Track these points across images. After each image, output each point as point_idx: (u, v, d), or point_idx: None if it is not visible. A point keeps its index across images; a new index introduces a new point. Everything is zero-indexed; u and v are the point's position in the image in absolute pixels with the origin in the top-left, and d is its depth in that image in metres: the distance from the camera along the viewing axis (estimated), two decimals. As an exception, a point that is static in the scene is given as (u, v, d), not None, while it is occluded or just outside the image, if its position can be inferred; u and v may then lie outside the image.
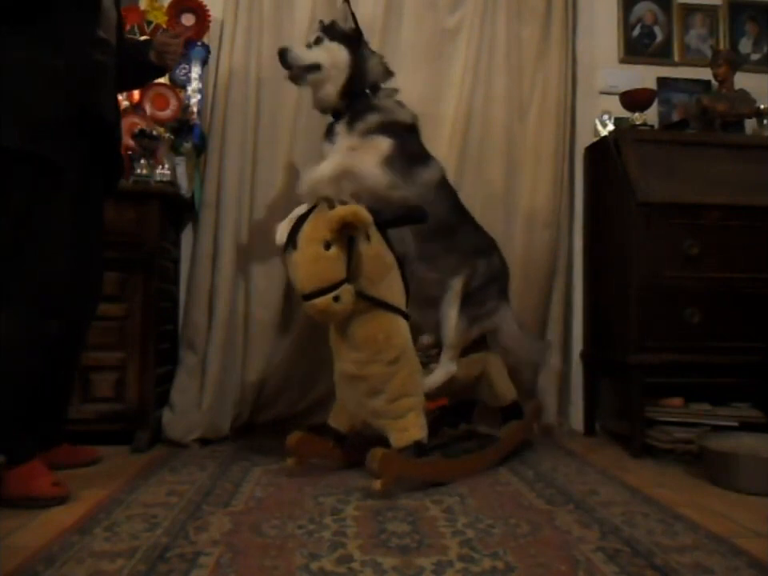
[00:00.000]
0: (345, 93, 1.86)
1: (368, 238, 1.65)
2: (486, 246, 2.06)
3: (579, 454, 2.14)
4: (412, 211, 1.77)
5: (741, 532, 1.40)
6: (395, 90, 1.96)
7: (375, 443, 1.72)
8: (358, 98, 1.87)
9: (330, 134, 1.89)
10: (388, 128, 1.83)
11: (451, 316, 1.90)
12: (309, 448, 1.81)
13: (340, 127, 1.85)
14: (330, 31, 1.89)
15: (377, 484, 1.54)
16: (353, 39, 1.89)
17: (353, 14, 1.90)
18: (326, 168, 1.71)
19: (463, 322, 1.91)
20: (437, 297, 1.92)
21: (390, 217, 1.73)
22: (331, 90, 1.86)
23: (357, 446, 1.85)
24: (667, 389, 2.24)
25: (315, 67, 1.86)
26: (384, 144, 1.79)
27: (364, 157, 1.77)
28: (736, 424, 2.11)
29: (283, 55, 1.86)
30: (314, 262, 1.57)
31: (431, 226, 1.83)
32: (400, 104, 1.94)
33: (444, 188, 1.97)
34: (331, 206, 1.62)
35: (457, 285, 1.91)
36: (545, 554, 1.23)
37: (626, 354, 2.17)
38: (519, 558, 1.21)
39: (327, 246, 1.56)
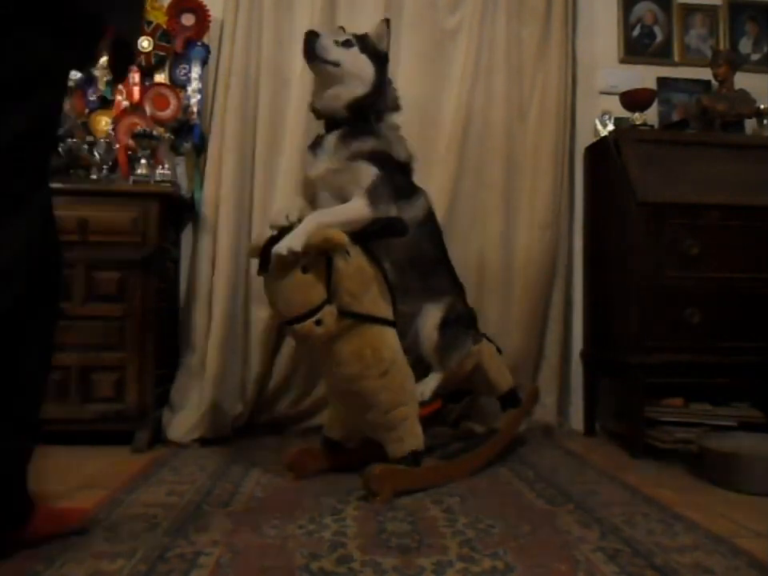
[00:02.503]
0: (353, 105, 1.78)
1: (347, 252, 1.58)
2: (458, 290, 2.01)
3: (579, 454, 2.14)
4: (391, 223, 1.69)
5: (741, 532, 1.40)
6: (397, 126, 1.89)
7: (373, 445, 1.73)
8: (362, 117, 1.79)
9: (316, 145, 1.82)
10: (378, 158, 1.76)
11: (432, 336, 1.84)
12: (306, 462, 1.79)
13: (331, 139, 1.77)
14: (362, 42, 1.83)
15: (376, 501, 1.52)
16: (381, 60, 1.85)
17: (389, 36, 1.88)
18: (300, 234, 1.55)
19: (442, 344, 1.86)
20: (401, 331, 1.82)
21: (369, 229, 1.67)
22: (343, 93, 1.78)
23: (355, 451, 1.85)
24: (667, 389, 2.24)
25: (335, 64, 1.78)
26: (368, 173, 1.73)
27: (349, 191, 1.72)
28: (736, 424, 2.11)
29: (311, 41, 1.77)
30: (293, 287, 1.52)
31: (410, 258, 1.81)
32: (400, 139, 1.88)
33: (428, 225, 1.91)
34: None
35: (436, 311, 1.86)
36: (545, 554, 1.23)
37: (626, 354, 2.17)
38: (519, 557, 1.21)
39: (304, 270, 1.52)
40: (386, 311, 1.71)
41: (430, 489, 1.67)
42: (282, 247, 1.51)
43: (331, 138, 1.78)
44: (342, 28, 1.99)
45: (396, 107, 1.90)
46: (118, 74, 1.54)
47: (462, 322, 1.94)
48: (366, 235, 1.67)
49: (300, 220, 1.60)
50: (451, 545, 1.27)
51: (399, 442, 1.67)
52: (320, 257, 1.53)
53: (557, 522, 1.43)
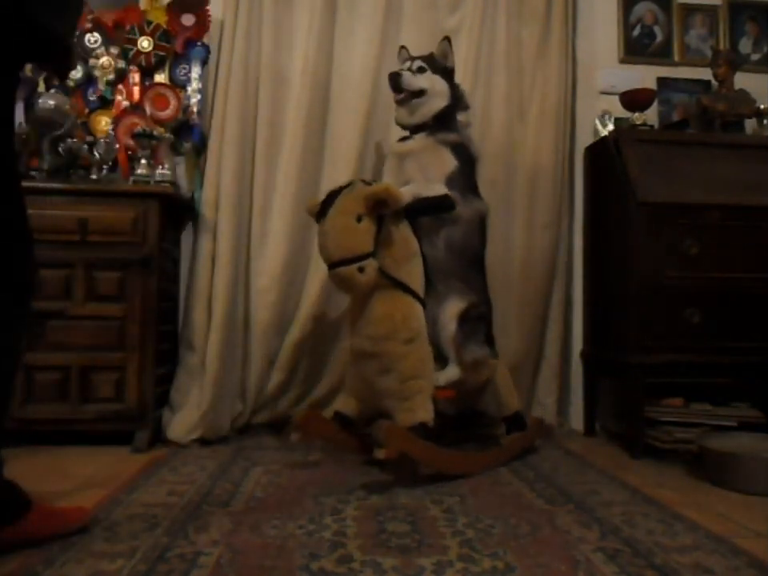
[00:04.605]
0: (438, 115, 2.02)
1: (397, 219, 1.73)
2: (487, 301, 2.10)
3: (579, 454, 2.14)
4: (441, 200, 1.87)
5: (741, 532, 1.40)
6: (469, 123, 2.17)
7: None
8: (446, 120, 2.04)
9: (404, 139, 2.06)
10: (459, 149, 2.01)
11: (451, 327, 1.92)
12: (315, 426, 1.85)
13: (420, 135, 2.02)
14: (432, 63, 2.06)
15: (380, 453, 1.56)
16: (450, 74, 2.08)
17: (452, 52, 2.08)
18: (409, 192, 1.83)
19: (460, 336, 1.93)
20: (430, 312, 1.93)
21: (419, 205, 1.82)
22: (428, 111, 2.02)
23: (362, 438, 1.89)
24: (667, 389, 2.24)
25: (422, 92, 2.02)
26: (450, 163, 1.97)
27: (432, 172, 1.95)
28: (736, 424, 2.11)
29: (396, 80, 2.01)
30: (344, 232, 1.64)
31: (462, 245, 1.96)
32: (472, 138, 2.12)
33: (482, 227, 2.08)
34: (367, 185, 1.70)
35: (461, 303, 1.94)
36: (545, 554, 1.23)
37: (626, 353, 2.17)
38: (519, 558, 1.21)
39: (359, 219, 1.64)
40: (419, 289, 1.80)
41: (429, 468, 1.69)
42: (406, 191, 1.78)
43: (420, 135, 2.03)
44: (404, 48, 2.17)
45: (466, 107, 2.13)
46: (62, 78, 1.61)
47: (482, 323, 2.02)
48: (416, 211, 1.81)
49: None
50: (451, 545, 1.27)
51: (410, 412, 1.70)
52: (374, 211, 1.66)
53: (557, 521, 1.43)
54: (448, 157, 1.98)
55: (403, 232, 1.78)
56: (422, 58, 2.08)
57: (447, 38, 2.10)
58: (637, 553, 1.25)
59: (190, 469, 1.86)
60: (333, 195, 1.72)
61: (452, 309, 1.93)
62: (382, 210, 1.68)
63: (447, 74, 2.08)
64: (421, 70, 2.06)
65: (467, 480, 1.76)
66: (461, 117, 2.11)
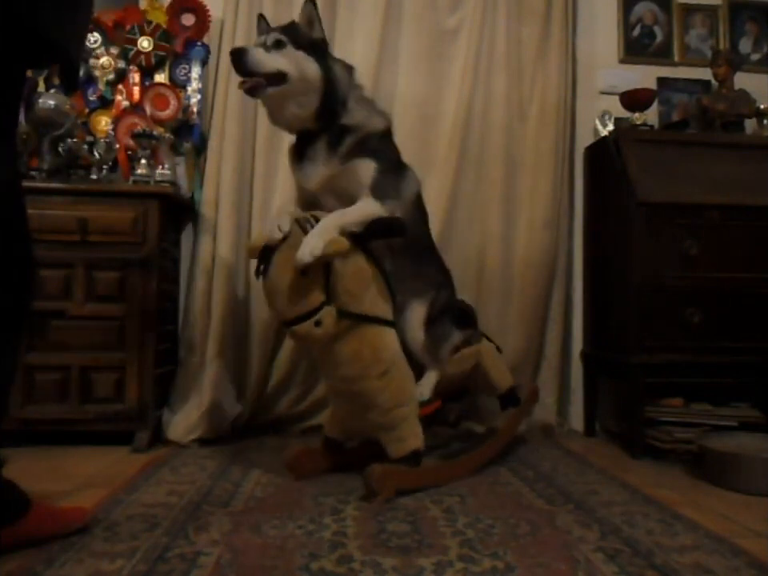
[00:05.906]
0: (318, 115, 1.66)
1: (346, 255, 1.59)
2: (445, 279, 2.01)
3: (579, 454, 2.14)
4: (391, 224, 1.66)
5: (741, 532, 1.40)
6: (361, 87, 1.78)
7: (373, 445, 1.73)
8: (332, 115, 1.67)
9: (300, 157, 1.73)
10: (367, 145, 1.69)
11: (419, 336, 1.85)
12: (306, 463, 1.79)
13: (318, 148, 1.69)
14: (294, 36, 1.63)
15: (376, 501, 1.52)
16: (321, 50, 1.67)
17: (319, 19, 1.67)
18: (320, 238, 1.51)
19: (429, 340, 1.87)
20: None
21: (368, 230, 1.64)
22: (300, 111, 1.65)
23: (355, 451, 1.85)
24: (667, 389, 2.24)
25: (281, 77, 1.61)
26: (368, 170, 1.67)
27: (353, 191, 1.67)
28: (736, 424, 2.11)
29: (240, 57, 1.55)
30: (292, 290, 1.52)
31: (405, 243, 1.76)
32: (371, 105, 1.78)
33: (418, 204, 1.90)
34: (303, 229, 1.55)
35: (421, 307, 1.86)
36: (545, 554, 1.23)
37: (626, 353, 2.17)
38: (519, 558, 1.21)
39: (303, 272, 1.52)
40: (386, 311, 1.71)
41: (431, 489, 1.67)
42: (304, 254, 1.48)
43: (317, 148, 1.69)
44: (263, 18, 1.77)
45: (350, 71, 1.75)
46: (68, 93, 1.83)
47: (447, 314, 1.92)
48: (366, 236, 1.66)
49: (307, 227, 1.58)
50: (451, 545, 1.27)
51: (400, 442, 1.67)
52: (318, 263, 1.53)
53: (557, 521, 1.43)
54: (364, 165, 1.67)
55: (355, 262, 1.62)
56: (281, 28, 1.64)
57: (312, 1, 1.65)
58: (637, 553, 1.25)
59: (189, 469, 1.86)
60: (270, 250, 1.55)
61: (415, 317, 1.85)
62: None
63: (315, 48, 1.64)
64: (278, 44, 1.60)
65: (467, 480, 1.76)
66: (353, 87, 1.74)
